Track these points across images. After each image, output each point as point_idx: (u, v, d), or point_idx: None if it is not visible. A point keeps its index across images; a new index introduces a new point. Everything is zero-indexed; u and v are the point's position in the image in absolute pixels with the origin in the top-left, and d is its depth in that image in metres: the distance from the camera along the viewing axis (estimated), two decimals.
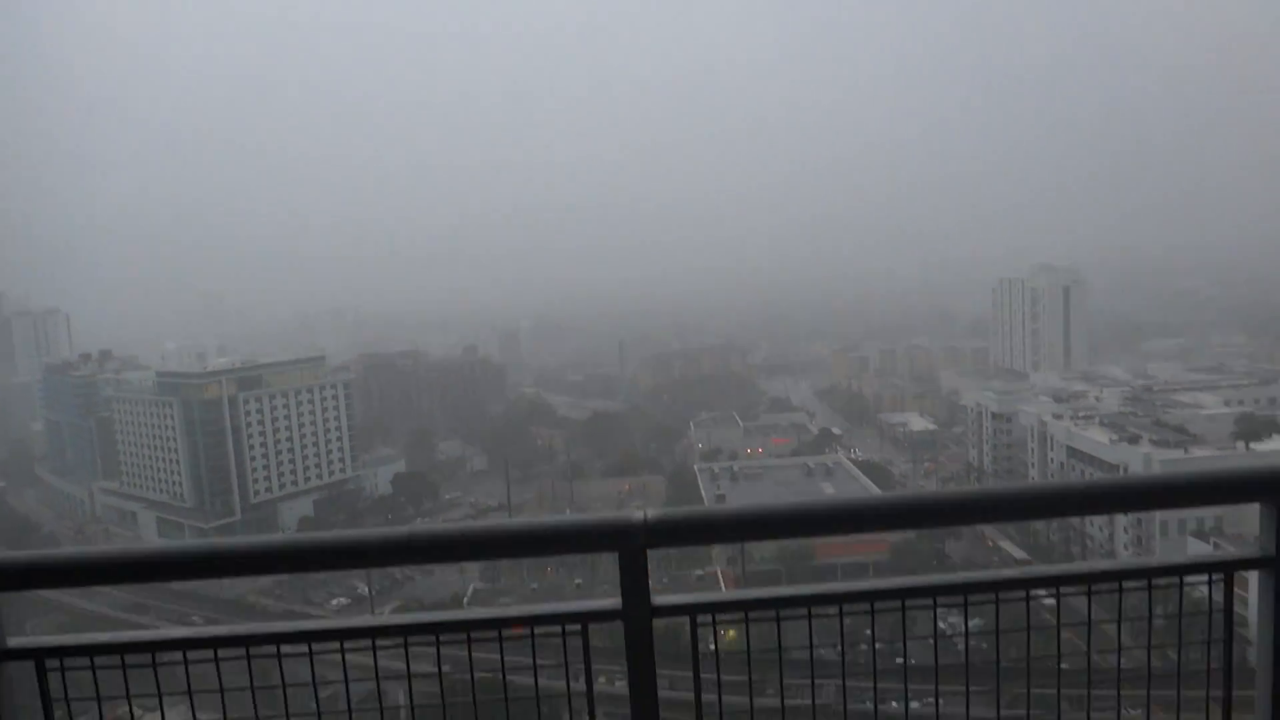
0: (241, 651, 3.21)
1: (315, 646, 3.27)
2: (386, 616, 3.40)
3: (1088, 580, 3.34)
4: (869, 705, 3.56)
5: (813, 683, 3.34)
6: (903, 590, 3.36)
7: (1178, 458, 73.90)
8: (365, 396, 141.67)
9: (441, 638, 3.28)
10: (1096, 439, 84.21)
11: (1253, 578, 3.41)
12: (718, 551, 72.76)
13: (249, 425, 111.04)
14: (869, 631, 3.40)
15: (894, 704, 3.60)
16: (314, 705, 3.24)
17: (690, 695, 3.34)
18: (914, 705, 3.40)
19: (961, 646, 3.93)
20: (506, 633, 3.34)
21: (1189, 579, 3.34)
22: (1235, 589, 3.46)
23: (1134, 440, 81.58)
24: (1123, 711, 3.43)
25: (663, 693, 3.34)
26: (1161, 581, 3.34)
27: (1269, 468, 3.44)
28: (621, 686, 3.23)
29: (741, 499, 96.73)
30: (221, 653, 3.22)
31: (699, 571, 68.45)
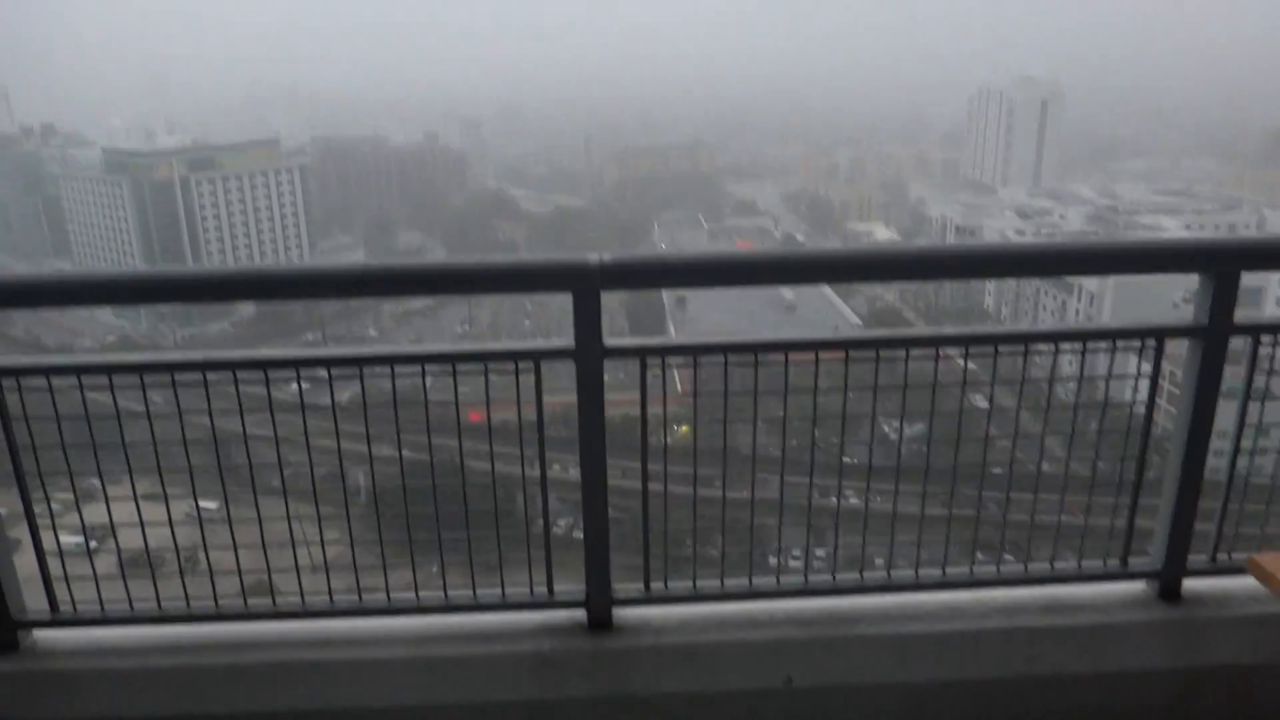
0: (198, 377, 3.21)
1: (272, 374, 3.30)
2: (342, 348, 3.42)
3: (1025, 341, 3.39)
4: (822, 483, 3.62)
5: (754, 432, 3.42)
6: (865, 341, 3.44)
7: (1135, 279, 74.91)
8: (322, 182, 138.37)
9: (397, 369, 3.28)
10: None
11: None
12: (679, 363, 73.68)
13: (203, 208, 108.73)
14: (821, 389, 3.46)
15: (852, 499, 3.72)
16: (271, 431, 3.26)
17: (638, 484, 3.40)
18: (860, 500, 3.59)
19: (902, 450, 3.88)
20: (463, 418, 3.39)
21: (1123, 344, 3.42)
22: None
23: None
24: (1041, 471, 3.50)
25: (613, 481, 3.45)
26: (1096, 346, 3.43)
27: (1210, 240, 3.58)
28: (575, 474, 3.35)
29: (700, 303, 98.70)
30: (178, 378, 3.23)
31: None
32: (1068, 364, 3.61)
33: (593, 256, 3.13)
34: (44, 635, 3.61)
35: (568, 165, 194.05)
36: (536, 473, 3.45)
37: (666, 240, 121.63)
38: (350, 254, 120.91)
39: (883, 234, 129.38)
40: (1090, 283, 79.43)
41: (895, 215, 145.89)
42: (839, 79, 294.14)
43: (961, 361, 3.57)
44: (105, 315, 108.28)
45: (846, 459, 3.80)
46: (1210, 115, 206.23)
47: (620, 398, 3.58)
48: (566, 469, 3.68)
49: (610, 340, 3.20)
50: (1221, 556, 3.72)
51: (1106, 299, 70.67)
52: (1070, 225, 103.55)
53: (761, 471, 3.54)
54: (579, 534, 3.47)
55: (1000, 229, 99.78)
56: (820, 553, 3.73)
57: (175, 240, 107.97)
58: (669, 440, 3.52)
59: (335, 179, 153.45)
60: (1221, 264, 3.30)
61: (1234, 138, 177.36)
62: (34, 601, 3.56)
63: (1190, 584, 3.75)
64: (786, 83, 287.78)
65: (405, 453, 3.31)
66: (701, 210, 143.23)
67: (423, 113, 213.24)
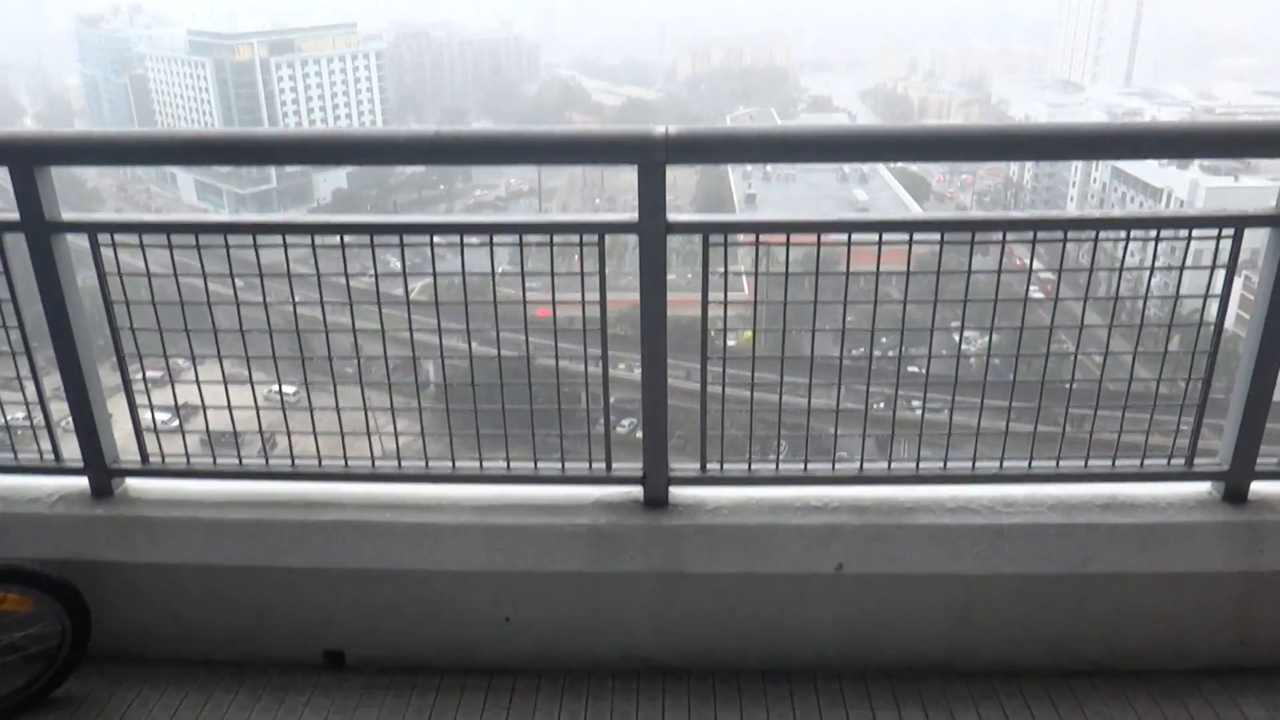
0: (278, 239, 3.32)
1: (361, 239, 3.40)
2: (408, 215, 3.63)
3: (1096, 227, 3.33)
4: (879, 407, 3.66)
5: (814, 319, 3.38)
6: (935, 223, 3.42)
7: (1227, 186, 72.36)
8: (397, 69, 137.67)
9: (466, 240, 3.31)
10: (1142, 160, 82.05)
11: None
12: (743, 254, 73.62)
13: (282, 91, 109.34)
14: (894, 274, 3.41)
15: (914, 404, 3.67)
16: (347, 295, 3.37)
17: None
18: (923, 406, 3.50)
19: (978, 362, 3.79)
20: (531, 315, 3.46)
21: (1200, 232, 3.26)
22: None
23: (1182, 164, 79.30)
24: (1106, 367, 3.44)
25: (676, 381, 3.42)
26: (1171, 233, 3.30)
27: None
28: (638, 374, 3.38)
29: (772, 199, 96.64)
30: (260, 239, 3.36)
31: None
32: (1138, 257, 3.47)
33: (658, 128, 3.13)
34: (135, 484, 3.84)
35: (641, 56, 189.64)
36: (599, 350, 3.45)
37: None
38: None
39: None
40: (1180, 187, 76.79)
41: (975, 115, 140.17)
42: None
43: (1028, 252, 3.50)
44: (190, 198, 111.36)
45: (911, 367, 3.83)
46: None
47: (684, 298, 3.50)
48: (631, 369, 3.69)
49: (674, 215, 3.16)
50: None
51: (1197, 207, 67.91)
52: None
53: (822, 375, 3.53)
54: (640, 435, 3.55)
55: None
56: (875, 441, 3.69)
57: (255, 122, 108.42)
58: (733, 343, 3.63)
59: (410, 65, 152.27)
60: None
61: None
62: (127, 454, 3.78)
63: (1259, 487, 3.61)
64: None
65: (474, 344, 3.46)
66: (775, 105, 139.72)
67: None
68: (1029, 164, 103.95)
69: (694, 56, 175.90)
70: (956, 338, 3.70)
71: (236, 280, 3.44)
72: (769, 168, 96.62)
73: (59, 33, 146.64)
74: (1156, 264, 3.32)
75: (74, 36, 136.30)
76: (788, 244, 3.31)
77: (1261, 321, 3.30)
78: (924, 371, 3.49)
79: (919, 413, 3.53)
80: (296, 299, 3.40)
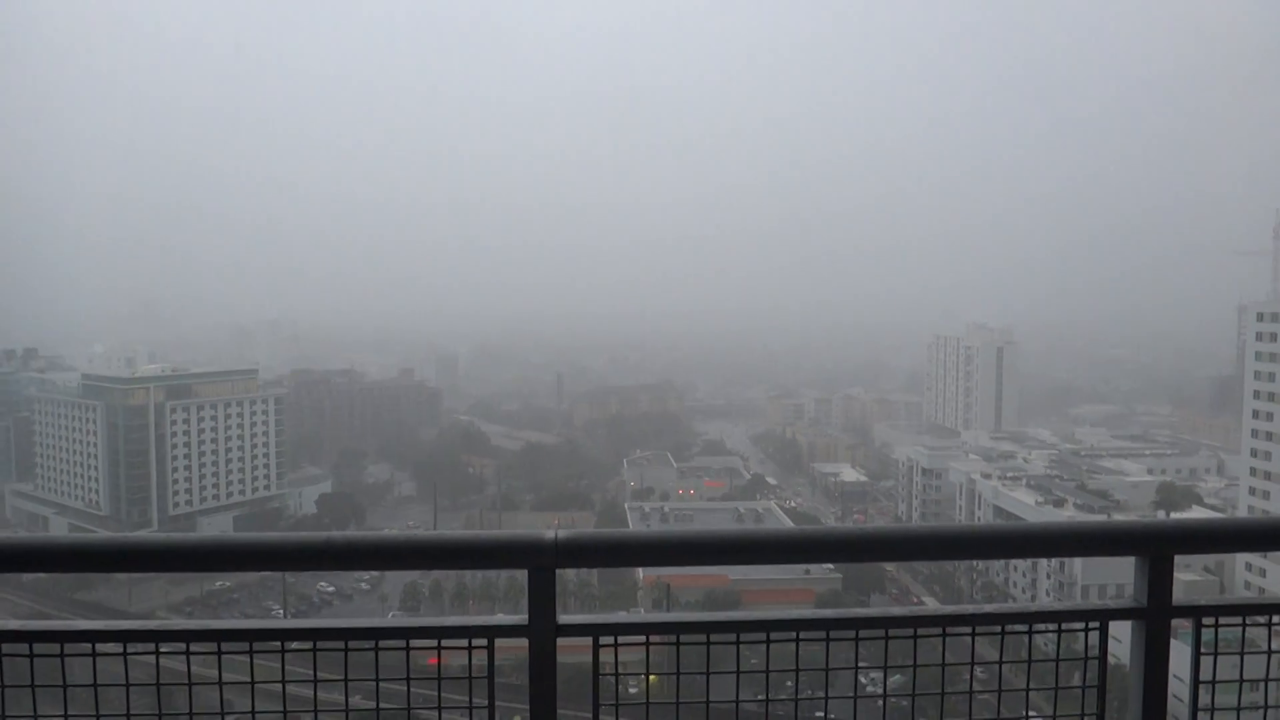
0: (151, 645, 3.23)
1: (224, 647, 3.31)
2: (296, 620, 3.51)
3: (973, 622, 3.43)
4: None
5: (707, 717, 3.34)
6: (819, 621, 3.41)
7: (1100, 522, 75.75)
8: (296, 413, 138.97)
9: (350, 644, 3.30)
10: (1023, 500, 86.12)
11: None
12: (643, 595, 72.56)
13: (174, 435, 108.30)
14: (774, 672, 3.40)
15: None
16: (218, 706, 3.23)
17: None
18: None
19: (880, 703, 3.95)
20: (418, 664, 3.36)
21: (1068, 625, 3.45)
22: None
23: (1059, 504, 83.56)
24: None
25: None
26: (1043, 627, 3.46)
27: (1143, 523, 3.55)
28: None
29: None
30: (130, 648, 3.24)
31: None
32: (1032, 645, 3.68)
33: (548, 533, 3.21)
34: None
35: (539, 403, 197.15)
36: None
37: (636, 478, 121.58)
38: (318, 486, 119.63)
39: (850, 474, 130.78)
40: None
41: (861, 456, 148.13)
42: (802, 321, 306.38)
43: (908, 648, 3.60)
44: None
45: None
46: (1164, 364, 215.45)
47: (581, 643, 3.47)
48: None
49: (564, 618, 3.25)
50: None
51: (1078, 560, 70.70)
52: (1034, 468, 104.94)
53: None
54: None
55: (966, 472, 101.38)
56: None
57: (142, 465, 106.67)
58: (635, 690, 3.57)
59: (310, 409, 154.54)
60: (1154, 548, 3.39)
61: (1185, 385, 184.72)
62: None
63: None
64: (753, 324, 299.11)
65: (354, 714, 3.39)
66: (671, 448, 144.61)
67: (400, 349, 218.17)
68: (916, 502, 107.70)
69: (591, 403, 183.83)
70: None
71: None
72: (667, 508, 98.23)
73: None
74: (1033, 658, 3.51)
75: None
76: (677, 644, 3.36)
77: (1139, 711, 3.43)
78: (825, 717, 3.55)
79: None
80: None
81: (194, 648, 3.27)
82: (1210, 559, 68.11)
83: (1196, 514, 78.02)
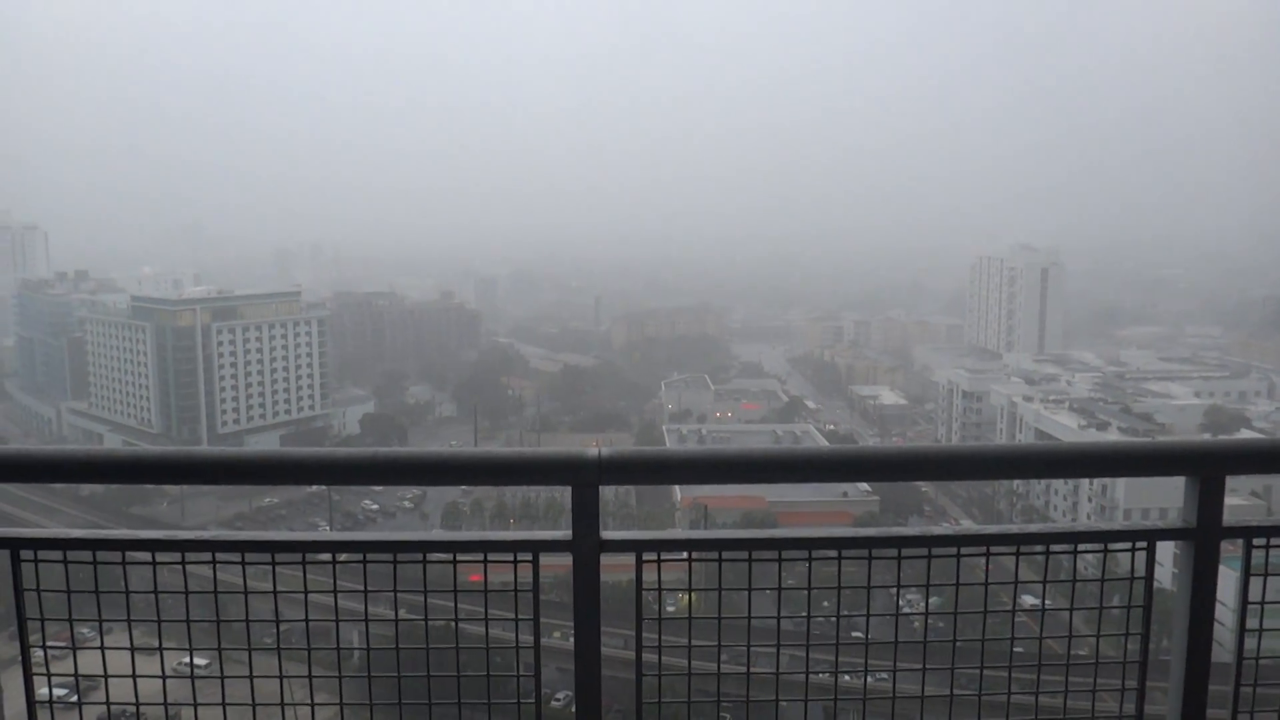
0: (207, 556, 3.31)
1: (277, 557, 3.41)
2: (346, 534, 3.56)
3: (1017, 541, 3.43)
4: (821, 674, 3.64)
5: (748, 633, 3.38)
6: (861, 539, 3.45)
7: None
8: (339, 335, 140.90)
9: (399, 557, 3.37)
10: (1065, 424, 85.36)
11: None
12: (680, 517, 73.43)
13: (221, 355, 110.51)
14: (815, 589, 3.39)
15: (846, 677, 3.68)
16: (272, 615, 3.36)
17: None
18: (867, 679, 3.49)
19: (918, 625, 3.80)
20: (462, 579, 3.47)
21: (1114, 546, 3.44)
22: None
23: (1102, 427, 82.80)
24: (1042, 676, 3.51)
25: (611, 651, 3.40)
26: (1088, 547, 3.44)
27: (1194, 442, 3.52)
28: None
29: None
30: (187, 557, 3.32)
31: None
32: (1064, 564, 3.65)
33: (591, 451, 3.26)
34: None
35: (578, 325, 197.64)
36: (533, 647, 3.49)
37: (673, 401, 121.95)
38: (361, 406, 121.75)
39: (889, 397, 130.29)
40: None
41: (901, 380, 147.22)
42: (842, 244, 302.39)
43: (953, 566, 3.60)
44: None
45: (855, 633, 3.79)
46: (1214, 285, 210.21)
47: (619, 562, 3.50)
48: (566, 637, 3.62)
49: (607, 533, 3.27)
50: None
51: (1119, 482, 70.18)
52: (1077, 391, 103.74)
53: (763, 685, 3.55)
54: (575, 709, 3.48)
55: (1008, 395, 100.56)
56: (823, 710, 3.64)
57: (191, 385, 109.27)
58: (672, 608, 3.56)
59: (352, 331, 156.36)
60: (1206, 468, 3.37)
61: (1236, 306, 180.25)
62: None
63: None
64: (791, 248, 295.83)
65: (402, 624, 3.49)
66: (708, 371, 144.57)
67: (440, 271, 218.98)
68: (955, 426, 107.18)
69: (629, 326, 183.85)
70: (895, 597, 3.72)
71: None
72: (704, 430, 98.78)
73: (0, 298, 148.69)
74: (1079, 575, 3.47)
75: (14, 300, 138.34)
76: (719, 560, 3.38)
77: (1184, 629, 3.41)
78: (865, 636, 3.50)
79: (862, 680, 3.50)
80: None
81: (249, 558, 3.36)
82: (1258, 483, 67.45)
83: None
